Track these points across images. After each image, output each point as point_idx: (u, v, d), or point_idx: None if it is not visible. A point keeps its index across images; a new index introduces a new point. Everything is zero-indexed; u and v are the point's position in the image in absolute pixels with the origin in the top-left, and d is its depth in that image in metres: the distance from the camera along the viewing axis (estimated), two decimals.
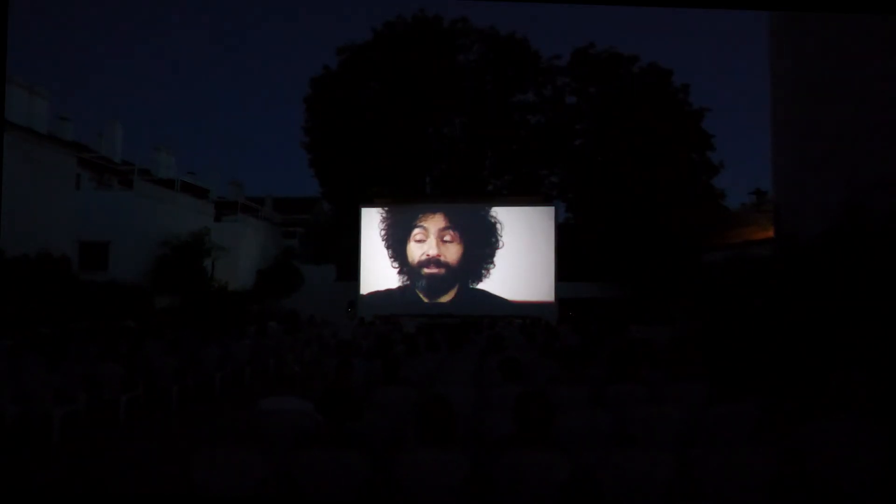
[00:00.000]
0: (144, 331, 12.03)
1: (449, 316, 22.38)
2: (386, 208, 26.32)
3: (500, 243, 25.32)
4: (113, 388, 7.55)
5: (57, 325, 11.97)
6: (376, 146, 28.95)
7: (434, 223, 25.55)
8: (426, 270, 25.37)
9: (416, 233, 25.58)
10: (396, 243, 25.83)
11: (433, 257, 25.33)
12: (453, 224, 25.52)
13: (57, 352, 7.83)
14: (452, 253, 25.42)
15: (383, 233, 26.03)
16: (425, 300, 25.40)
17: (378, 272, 25.82)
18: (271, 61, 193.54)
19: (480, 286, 25.24)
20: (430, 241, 25.42)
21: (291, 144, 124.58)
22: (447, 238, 25.44)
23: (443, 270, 25.32)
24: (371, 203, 26.72)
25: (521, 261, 25.08)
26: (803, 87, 12.75)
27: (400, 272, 25.73)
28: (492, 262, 25.23)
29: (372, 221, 26.21)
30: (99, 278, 17.65)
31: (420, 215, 25.70)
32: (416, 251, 25.53)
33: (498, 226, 25.49)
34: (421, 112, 30.11)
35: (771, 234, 14.67)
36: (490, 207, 25.90)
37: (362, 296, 25.78)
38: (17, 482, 5.40)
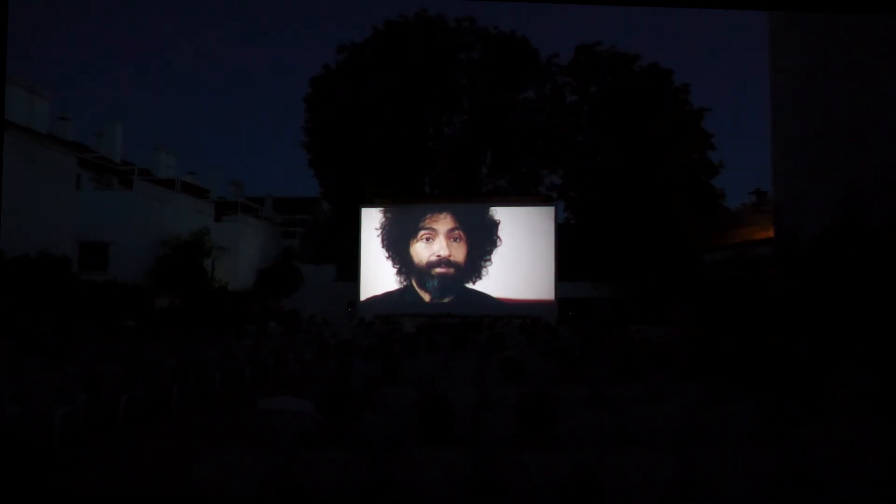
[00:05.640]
0: (144, 331, 12.00)
1: (449, 316, 22.39)
2: (386, 208, 26.32)
3: (499, 242, 25.34)
4: (113, 388, 7.53)
5: (57, 325, 11.94)
6: (376, 146, 28.95)
7: (443, 224, 25.58)
8: (437, 271, 25.41)
9: (424, 233, 25.58)
10: (398, 243, 25.83)
11: (444, 258, 25.38)
12: (460, 224, 25.58)
13: (57, 352, 7.81)
14: (460, 253, 25.49)
15: (384, 233, 26.03)
16: (427, 300, 25.41)
17: (378, 272, 25.83)
18: (271, 61, 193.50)
19: (480, 286, 25.25)
20: (440, 242, 25.45)
21: (291, 144, 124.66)
22: (456, 238, 25.49)
23: (452, 270, 25.39)
24: (371, 203, 26.73)
25: (522, 261, 25.09)
26: (803, 87, 12.75)
27: (399, 272, 25.73)
28: (490, 262, 25.26)
29: (372, 221, 26.21)
30: (99, 278, 17.62)
31: (427, 216, 25.71)
32: (424, 252, 25.53)
33: (497, 225, 25.51)
34: (421, 112, 30.10)
35: (771, 234, 14.69)
36: (490, 207, 25.93)
37: (362, 301, 25.81)
38: (18, 482, 5.40)
